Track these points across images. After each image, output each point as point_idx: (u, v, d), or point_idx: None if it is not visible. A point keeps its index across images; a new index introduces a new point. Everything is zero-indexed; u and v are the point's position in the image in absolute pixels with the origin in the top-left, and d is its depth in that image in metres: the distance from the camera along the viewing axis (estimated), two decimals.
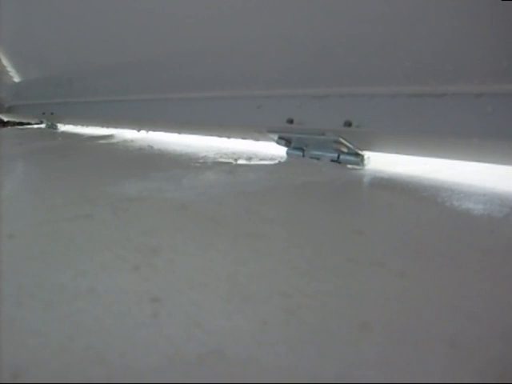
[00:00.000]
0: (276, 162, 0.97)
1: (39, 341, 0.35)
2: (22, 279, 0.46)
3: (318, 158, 0.91)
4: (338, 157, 0.87)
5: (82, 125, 2.02)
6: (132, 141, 1.48)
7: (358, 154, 0.85)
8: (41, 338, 0.35)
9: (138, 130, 1.60)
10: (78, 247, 0.54)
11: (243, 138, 1.14)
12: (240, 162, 0.98)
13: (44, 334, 0.36)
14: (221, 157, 1.04)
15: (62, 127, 2.15)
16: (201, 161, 1.02)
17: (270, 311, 0.38)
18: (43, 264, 0.50)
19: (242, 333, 0.35)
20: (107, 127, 1.81)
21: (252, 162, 0.97)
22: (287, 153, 0.98)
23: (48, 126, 2.21)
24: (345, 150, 0.85)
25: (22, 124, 2.53)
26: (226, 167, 0.94)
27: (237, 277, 0.44)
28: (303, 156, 0.95)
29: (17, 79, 2.37)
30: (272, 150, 1.03)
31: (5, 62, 2.28)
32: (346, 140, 0.84)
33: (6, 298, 0.42)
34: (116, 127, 1.76)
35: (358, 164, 0.85)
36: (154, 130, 1.56)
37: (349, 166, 0.86)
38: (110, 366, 0.32)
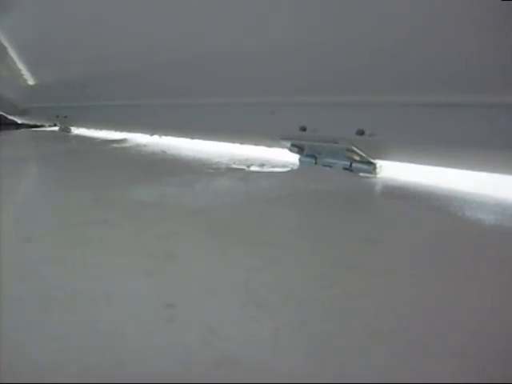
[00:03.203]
0: (288, 169, 0.97)
1: (59, 344, 0.36)
2: (41, 283, 0.47)
3: (330, 166, 0.92)
4: (351, 165, 0.87)
5: (95, 128, 2.04)
6: (145, 145, 1.49)
7: (370, 163, 0.85)
8: (60, 342, 0.36)
9: (151, 135, 1.61)
10: (94, 252, 0.55)
11: (256, 145, 1.15)
12: (253, 168, 0.99)
13: (63, 337, 0.37)
14: (234, 163, 1.05)
15: (76, 130, 2.17)
16: (214, 167, 1.03)
17: (284, 318, 0.38)
18: (60, 268, 0.50)
19: (256, 340, 0.36)
20: (120, 131, 1.82)
21: (265, 169, 0.98)
22: (300, 160, 0.98)
23: (61, 129, 2.23)
24: (357, 158, 0.86)
25: (35, 126, 2.55)
26: (238, 174, 0.95)
27: (250, 284, 0.45)
28: (315, 163, 0.95)
29: (31, 82, 2.39)
30: (284, 157, 1.03)
31: (20, 65, 2.30)
32: (359, 148, 0.84)
33: (26, 301, 0.43)
34: (129, 131, 1.77)
35: (370, 172, 0.85)
36: (166, 135, 1.57)
37: (361, 174, 0.86)
38: (127, 370, 0.33)
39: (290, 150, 0.99)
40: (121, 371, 0.33)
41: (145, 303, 0.42)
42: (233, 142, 1.24)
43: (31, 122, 2.57)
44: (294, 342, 0.35)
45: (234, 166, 1.02)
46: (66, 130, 2.18)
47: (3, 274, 0.49)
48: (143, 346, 0.35)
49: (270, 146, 1.10)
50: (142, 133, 1.68)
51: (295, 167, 0.98)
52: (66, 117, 2.08)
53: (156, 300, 0.42)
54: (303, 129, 0.95)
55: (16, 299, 0.43)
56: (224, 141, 1.29)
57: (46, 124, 2.43)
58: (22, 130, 2.62)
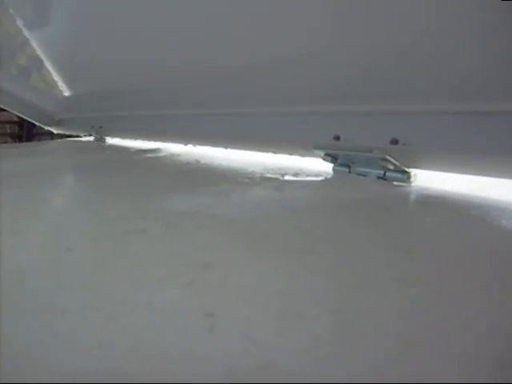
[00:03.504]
0: (322, 178, 0.97)
1: (103, 351, 0.37)
2: (82, 292, 0.48)
3: (364, 175, 0.92)
4: (385, 174, 0.87)
5: (130, 138, 2.06)
6: (179, 155, 1.50)
7: (404, 172, 0.85)
8: (104, 349, 0.37)
9: (186, 144, 1.62)
10: (134, 261, 0.56)
11: (290, 154, 1.15)
12: (287, 177, 0.99)
13: (107, 345, 0.38)
14: (268, 172, 1.05)
15: (110, 140, 2.20)
16: (248, 176, 1.03)
17: (321, 328, 0.39)
18: (101, 277, 0.51)
19: (294, 348, 0.36)
20: (154, 141, 1.84)
21: (299, 178, 0.98)
22: (333, 169, 0.99)
23: (96, 139, 2.25)
24: (391, 167, 0.85)
25: (70, 136, 2.59)
26: (273, 183, 0.95)
27: (288, 293, 0.46)
28: (349, 172, 0.95)
29: (67, 93, 2.43)
30: (318, 166, 1.03)
31: (56, 76, 2.34)
32: (393, 157, 0.84)
33: (69, 310, 0.44)
34: (163, 141, 1.78)
35: (404, 181, 0.85)
36: (200, 145, 1.58)
37: (395, 182, 0.86)
38: (170, 377, 0.34)
39: (324, 159, 0.99)
40: (163, 379, 0.33)
41: (185, 312, 0.43)
42: (266, 151, 1.25)
43: (67, 133, 2.61)
44: (331, 352, 0.36)
45: (268, 176, 1.02)
46: (100, 139, 2.21)
47: (45, 282, 0.50)
48: (185, 354, 0.36)
49: (304, 156, 1.10)
50: (175, 142, 1.69)
51: (329, 176, 0.98)
52: (100, 127, 2.11)
53: (196, 309, 0.43)
54: (337, 138, 0.95)
55: (57, 307, 0.45)
56: (257, 150, 1.29)
57: (82, 134, 2.47)
58: (58, 140, 2.67)
